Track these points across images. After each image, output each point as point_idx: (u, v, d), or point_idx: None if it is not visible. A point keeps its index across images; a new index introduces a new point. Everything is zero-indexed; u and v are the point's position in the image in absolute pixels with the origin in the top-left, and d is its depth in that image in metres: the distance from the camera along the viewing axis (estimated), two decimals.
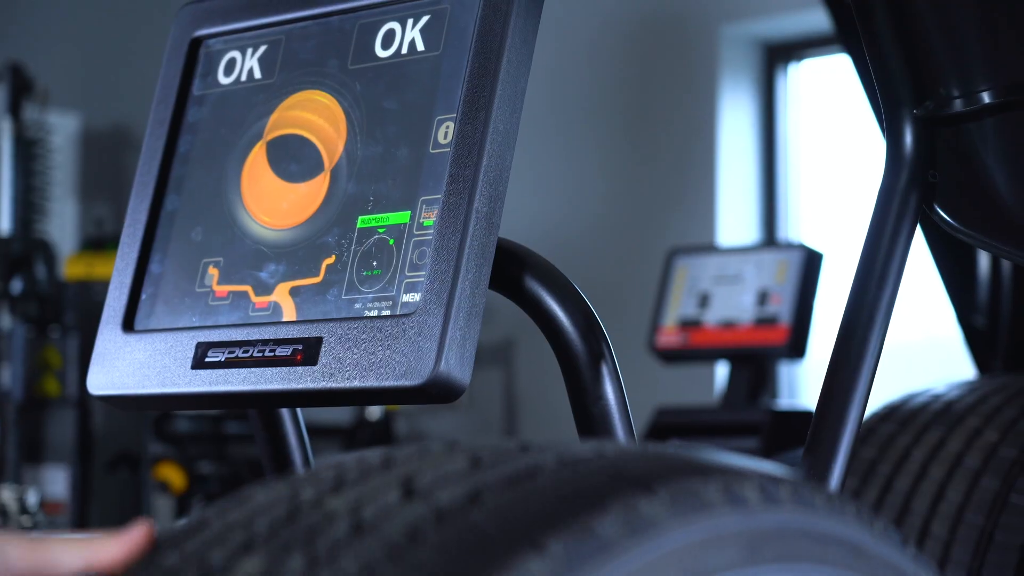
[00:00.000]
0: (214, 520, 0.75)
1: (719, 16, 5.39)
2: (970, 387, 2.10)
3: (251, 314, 1.07)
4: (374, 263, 1.03)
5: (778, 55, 5.51)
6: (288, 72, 1.13)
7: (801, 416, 3.41)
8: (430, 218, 1.01)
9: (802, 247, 3.54)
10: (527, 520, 0.66)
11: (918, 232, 1.38)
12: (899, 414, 2.04)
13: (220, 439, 5.80)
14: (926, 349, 4.89)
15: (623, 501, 0.68)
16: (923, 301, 4.35)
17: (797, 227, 5.52)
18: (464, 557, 0.64)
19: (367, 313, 1.02)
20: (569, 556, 0.65)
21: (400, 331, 0.99)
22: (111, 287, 1.13)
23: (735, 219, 5.43)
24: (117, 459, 6.15)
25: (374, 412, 5.65)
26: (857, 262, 1.19)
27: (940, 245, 2.21)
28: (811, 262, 3.49)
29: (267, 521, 0.72)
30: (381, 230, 1.04)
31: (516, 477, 0.70)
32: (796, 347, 3.46)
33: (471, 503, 0.68)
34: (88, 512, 5.81)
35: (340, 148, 1.08)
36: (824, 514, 0.75)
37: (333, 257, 1.05)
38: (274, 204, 1.09)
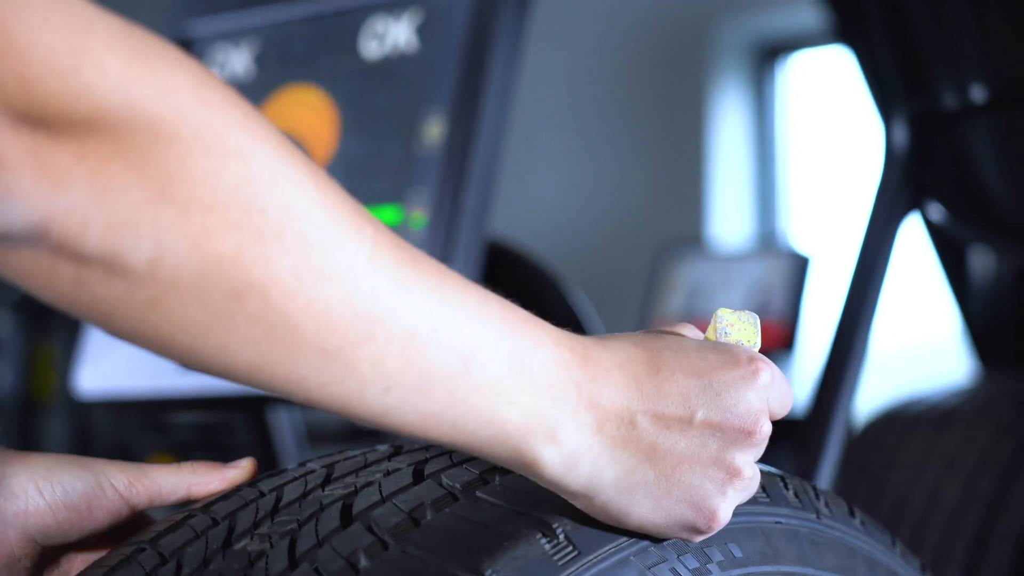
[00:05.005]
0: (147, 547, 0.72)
1: (711, 12, 5.39)
2: (967, 388, 2.09)
3: None
4: None
5: (771, 51, 5.51)
6: (279, 68, 1.13)
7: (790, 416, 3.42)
8: (421, 214, 1.01)
9: (791, 253, 3.58)
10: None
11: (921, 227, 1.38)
12: (895, 416, 2.04)
13: (217, 431, 5.79)
14: (922, 355, 4.89)
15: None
16: (919, 305, 4.35)
17: (791, 223, 5.52)
18: None
19: None
20: None
21: None
22: None
23: (728, 216, 5.42)
24: (113, 456, 6.14)
25: None
26: (855, 255, 1.19)
27: (941, 243, 2.21)
28: (799, 267, 3.53)
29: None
30: None
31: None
32: (785, 348, 3.48)
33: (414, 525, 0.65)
34: None
35: (331, 145, 1.08)
36: (802, 512, 0.74)
37: None
38: None
